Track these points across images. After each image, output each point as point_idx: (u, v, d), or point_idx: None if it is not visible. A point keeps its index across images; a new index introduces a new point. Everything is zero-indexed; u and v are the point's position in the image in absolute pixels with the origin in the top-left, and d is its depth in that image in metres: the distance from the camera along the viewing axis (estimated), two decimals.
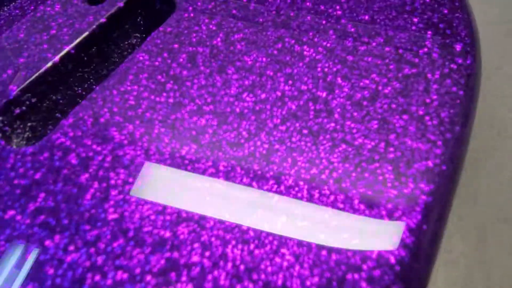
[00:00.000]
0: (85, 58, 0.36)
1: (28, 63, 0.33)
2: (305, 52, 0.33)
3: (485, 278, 0.49)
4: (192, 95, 0.31)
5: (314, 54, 0.33)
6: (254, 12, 0.36)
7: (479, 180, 0.45)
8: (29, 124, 0.33)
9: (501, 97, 0.51)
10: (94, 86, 0.38)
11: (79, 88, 0.37)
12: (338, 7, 0.36)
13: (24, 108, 0.32)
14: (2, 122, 0.31)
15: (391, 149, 0.28)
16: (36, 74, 0.32)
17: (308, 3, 0.37)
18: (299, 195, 0.26)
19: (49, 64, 0.32)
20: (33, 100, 0.33)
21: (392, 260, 0.24)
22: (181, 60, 0.33)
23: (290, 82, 0.31)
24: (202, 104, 0.30)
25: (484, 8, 0.56)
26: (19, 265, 0.26)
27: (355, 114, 0.29)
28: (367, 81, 0.31)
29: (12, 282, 0.25)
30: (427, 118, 0.29)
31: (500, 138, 0.48)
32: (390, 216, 0.25)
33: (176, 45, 0.34)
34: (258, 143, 0.29)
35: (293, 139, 0.28)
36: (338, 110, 0.30)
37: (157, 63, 0.33)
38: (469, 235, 0.48)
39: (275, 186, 0.27)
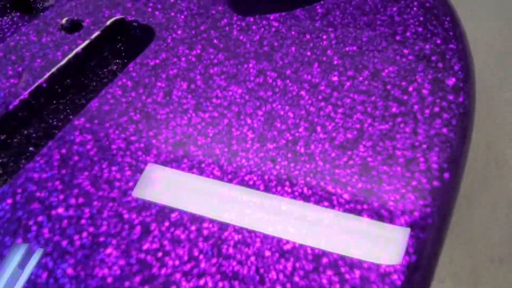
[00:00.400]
0: (59, 90, 0.34)
1: None
2: (287, 87, 0.31)
3: None
4: (166, 135, 0.29)
5: (296, 89, 0.31)
6: (235, 42, 0.34)
7: (473, 217, 0.42)
8: None
9: (500, 125, 0.48)
10: (70, 117, 0.37)
11: (54, 120, 0.36)
12: (324, 37, 0.35)
13: None
14: None
15: (373, 198, 0.26)
16: (5, 111, 0.31)
17: (293, 32, 0.35)
18: (262, 248, 0.25)
19: (18, 100, 0.31)
20: (2, 137, 0.32)
21: None
22: (156, 96, 0.31)
23: (269, 121, 0.30)
24: (176, 145, 0.29)
25: (484, 28, 0.54)
26: (22, 265, 0.25)
27: (336, 158, 0.27)
28: (351, 121, 0.29)
29: (15, 281, 0.24)
30: (413, 164, 0.27)
31: (498, 171, 0.45)
32: (369, 277, 0.23)
33: (152, 79, 0.32)
34: (233, 190, 0.27)
35: (270, 185, 0.27)
36: (319, 153, 0.28)
37: (131, 98, 0.31)
38: (462, 278, 0.45)
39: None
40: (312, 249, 0.24)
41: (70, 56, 0.34)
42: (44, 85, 0.32)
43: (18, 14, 0.46)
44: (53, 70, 0.33)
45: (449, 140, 0.28)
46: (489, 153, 0.46)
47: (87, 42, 0.34)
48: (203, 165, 0.28)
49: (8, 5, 0.45)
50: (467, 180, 0.35)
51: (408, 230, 0.25)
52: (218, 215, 0.25)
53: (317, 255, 0.24)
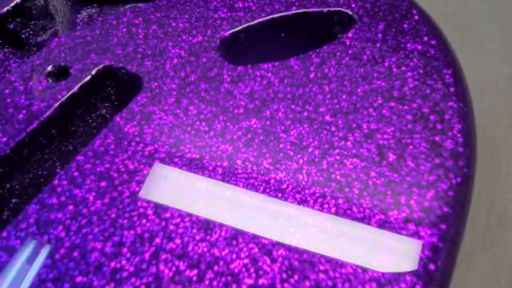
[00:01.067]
0: (44, 141, 0.34)
1: None
2: (276, 149, 0.30)
3: None
4: (138, 207, 0.28)
5: (285, 151, 0.30)
6: (225, 95, 0.33)
7: (472, 280, 0.40)
8: None
9: (504, 175, 0.46)
10: (56, 164, 0.36)
11: (39, 170, 0.35)
12: (318, 91, 0.33)
13: None
14: None
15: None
16: None
17: (287, 86, 0.34)
18: None
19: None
20: None
21: None
22: (140, 154, 0.30)
23: (255, 188, 0.28)
24: (147, 226, 0.28)
25: (490, 71, 0.51)
26: (30, 261, 0.25)
27: (315, 242, 0.26)
28: (338, 196, 0.27)
29: (22, 278, 0.24)
30: (404, 245, 0.26)
31: (501, 228, 0.43)
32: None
33: (132, 143, 0.31)
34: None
35: (252, 273, 0.25)
36: (311, 226, 0.26)
37: (113, 157, 0.30)
38: None
39: None
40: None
41: (55, 107, 0.33)
42: (27, 139, 0.32)
43: (10, 49, 0.45)
44: (37, 123, 0.32)
45: (444, 216, 0.27)
46: (491, 209, 0.44)
47: (72, 92, 0.34)
48: (173, 245, 0.26)
49: None
50: (466, 239, 0.33)
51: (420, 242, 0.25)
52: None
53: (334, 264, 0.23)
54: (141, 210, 0.27)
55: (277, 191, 0.28)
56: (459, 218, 0.27)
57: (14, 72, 0.35)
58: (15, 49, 0.44)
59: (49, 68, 0.35)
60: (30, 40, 0.45)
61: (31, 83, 0.34)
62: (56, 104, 0.33)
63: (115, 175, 0.29)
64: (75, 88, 0.34)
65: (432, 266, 0.25)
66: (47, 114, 0.32)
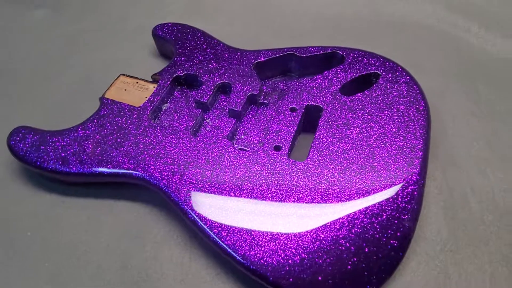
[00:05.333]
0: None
1: None
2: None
3: None
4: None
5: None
6: (348, 120, 1.05)
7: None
8: None
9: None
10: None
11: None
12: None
13: None
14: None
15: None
16: None
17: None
18: None
19: None
20: None
21: None
22: (345, 142, 1.01)
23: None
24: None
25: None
26: None
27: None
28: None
29: None
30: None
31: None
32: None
33: (336, 138, 0.98)
34: None
35: None
36: None
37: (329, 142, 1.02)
38: None
39: None
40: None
41: (298, 124, 1.02)
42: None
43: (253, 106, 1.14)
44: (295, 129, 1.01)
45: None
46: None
47: (300, 117, 1.03)
48: None
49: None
50: None
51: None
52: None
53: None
54: None
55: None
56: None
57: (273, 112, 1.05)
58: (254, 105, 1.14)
59: (290, 107, 1.05)
60: (262, 101, 1.14)
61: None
62: (298, 122, 1.02)
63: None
64: (300, 114, 1.04)
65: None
66: (295, 129, 1.01)
